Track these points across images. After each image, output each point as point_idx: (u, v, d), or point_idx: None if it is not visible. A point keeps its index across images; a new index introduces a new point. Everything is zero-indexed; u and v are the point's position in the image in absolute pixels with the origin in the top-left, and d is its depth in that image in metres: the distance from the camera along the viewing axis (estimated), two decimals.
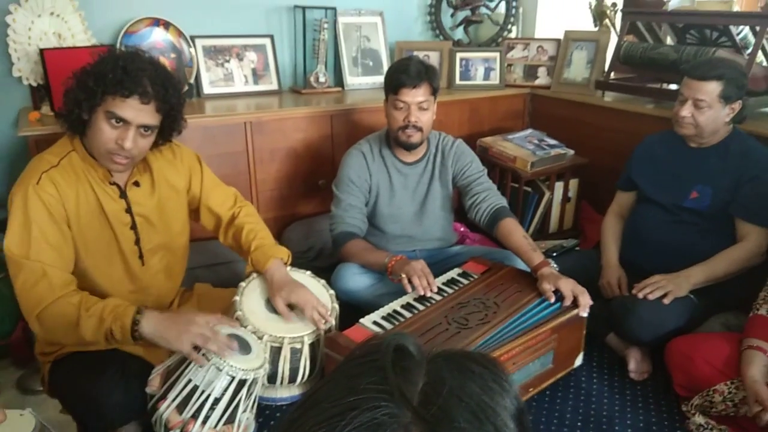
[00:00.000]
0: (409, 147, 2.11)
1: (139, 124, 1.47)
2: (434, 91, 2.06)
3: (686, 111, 1.95)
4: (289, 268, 1.82)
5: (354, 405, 0.46)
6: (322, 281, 1.87)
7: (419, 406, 0.46)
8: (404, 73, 2.00)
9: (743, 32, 2.68)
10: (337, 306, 1.79)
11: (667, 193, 2.08)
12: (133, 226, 1.62)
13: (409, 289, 1.86)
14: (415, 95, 2.01)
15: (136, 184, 1.62)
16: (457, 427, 0.45)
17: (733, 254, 1.95)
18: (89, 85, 1.43)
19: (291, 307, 1.74)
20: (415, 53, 2.93)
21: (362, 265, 2.07)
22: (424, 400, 0.47)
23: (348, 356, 0.53)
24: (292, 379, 1.66)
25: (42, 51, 2.08)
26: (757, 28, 2.33)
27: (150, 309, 1.47)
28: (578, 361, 1.93)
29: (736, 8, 2.88)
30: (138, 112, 1.45)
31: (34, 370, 1.98)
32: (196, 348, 1.44)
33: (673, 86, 2.61)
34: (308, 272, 1.91)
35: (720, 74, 1.90)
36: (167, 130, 1.59)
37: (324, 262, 2.41)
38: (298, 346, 1.62)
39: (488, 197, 2.11)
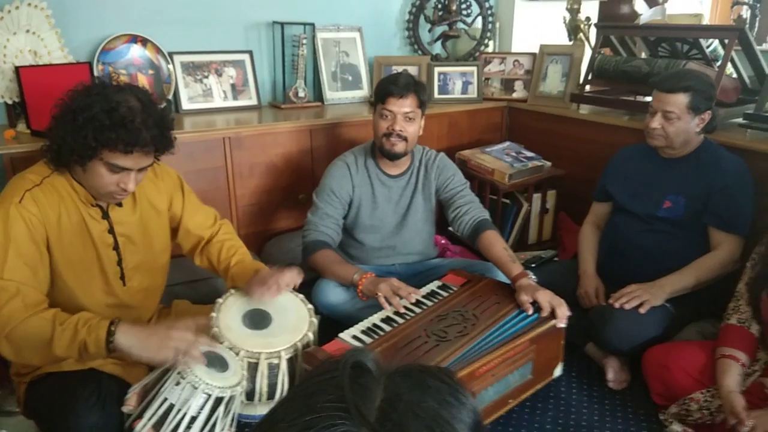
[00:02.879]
0: (393, 156, 2.13)
1: (140, 167, 1.50)
2: (421, 105, 2.10)
3: (656, 123, 2.00)
4: None
5: (311, 424, 0.46)
6: (301, 296, 1.87)
7: (376, 422, 0.47)
8: (393, 83, 2.06)
9: (713, 45, 2.74)
10: (315, 320, 1.79)
11: (641, 203, 2.11)
12: (116, 247, 1.61)
13: (387, 307, 1.87)
14: (402, 105, 2.05)
15: (119, 204, 1.61)
16: None
17: (707, 263, 1.98)
18: (88, 140, 1.41)
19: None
20: (394, 68, 2.96)
21: (330, 276, 2.08)
22: (381, 417, 0.47)
23: (307, 374, 0.54)
24: (271, 396, 1.65)
25: (17, 69, 2.07)
26: (726, 41, 2.39)
27: (124, 322, 1.44)
28: (557, 371, 1.94)
29: (706, 22, 2.94)
30: (139, 160, 1.48)
31: (9, 392, 1.94)
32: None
33: (647, 98, 2.66)
34: None
35: (687, 86, 1.94)
36: (158, 155, 1.59)
37: (305, 277, 2.39)
38: (276, 361, 1.61)
39: (471, 210, 2.14)
